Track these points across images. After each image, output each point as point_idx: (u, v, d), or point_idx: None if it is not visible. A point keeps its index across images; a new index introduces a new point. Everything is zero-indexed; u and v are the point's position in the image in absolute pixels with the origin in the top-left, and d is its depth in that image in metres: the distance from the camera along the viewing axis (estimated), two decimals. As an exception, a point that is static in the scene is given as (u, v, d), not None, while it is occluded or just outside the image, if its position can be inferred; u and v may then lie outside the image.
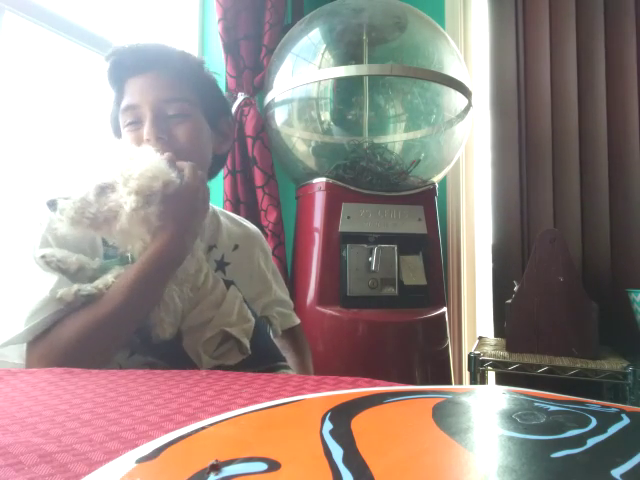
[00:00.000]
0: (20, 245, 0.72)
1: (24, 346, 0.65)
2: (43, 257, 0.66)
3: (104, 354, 0.66)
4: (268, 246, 1.04)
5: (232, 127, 0.94)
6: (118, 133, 0.84)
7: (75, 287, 0.64)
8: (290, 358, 0.94)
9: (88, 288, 0.65)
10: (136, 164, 0.66)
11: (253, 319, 0.77)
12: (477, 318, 2.07)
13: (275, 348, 0.84)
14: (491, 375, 1.64)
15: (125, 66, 0.81)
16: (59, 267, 0.66)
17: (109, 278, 0.66)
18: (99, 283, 0.66)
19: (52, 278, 0.65)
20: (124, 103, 0.80)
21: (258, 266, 0.94)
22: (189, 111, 0.82)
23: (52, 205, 0.64)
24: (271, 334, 0.94)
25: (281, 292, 1.00)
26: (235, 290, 0.77)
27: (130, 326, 0.67)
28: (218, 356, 0.71)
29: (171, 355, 0.69)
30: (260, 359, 0.75)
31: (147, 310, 0.67)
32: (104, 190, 0.65)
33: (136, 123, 0.79)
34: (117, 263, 0.69)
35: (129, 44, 0.82)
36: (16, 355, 0.68)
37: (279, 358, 0.81)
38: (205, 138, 0.85)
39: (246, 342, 0.72)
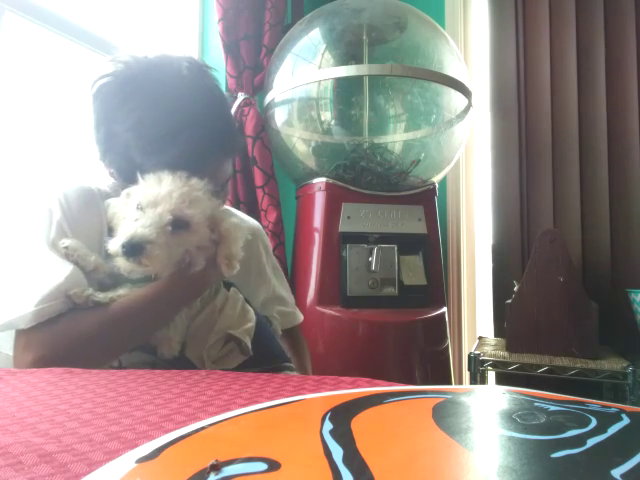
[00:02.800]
0: (23, 229, 0.71)
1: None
2: (66, 248, 0.65)
3: (105, 357, 0.66)
4: (269, 242, 1.04)
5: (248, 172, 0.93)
6: None
7: (89, 291, 0.64)
8: None
9: (100, 296, 0.64)
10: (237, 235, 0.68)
11: (254, 318, 0.77)
12: (477, 318, 2.07)
13: (279, 347, 0.83)
14: (491, 375, 1.64)
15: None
16: (77, 262, 0.66)
17: (121, 292, 0.66)
18: (112, 294, 0.65)
19: (66, 267, 0.65)
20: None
21: (258, 262, 0.94)
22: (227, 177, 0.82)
23: (138, 251, 0.59)
24: None
25: (281, 289, 0.99)
26: (236, 292, 0.77)
27: (137, 337, 0.67)
28: (219, 359, 0.70)
29: (172, 359, 0.69)
30: (262, 359, 0.75)
31: (156, 328, 0.67)
32: (176, 227, 0.62)
33: None
34: (138, 282, 0.68)
35: None
36: (9, 347, 0.67)
37: (283, 358, 0.80)
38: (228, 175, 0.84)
39: (248, 342, 0.72)
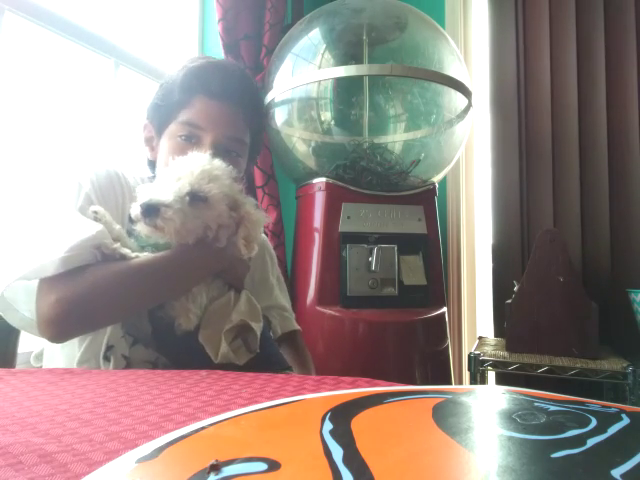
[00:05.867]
0: (51, 200, 0.76)
1: (34, 302, 0.65)
2: (95, 212, 0.69)
3: (123, 309, 0.68)
4: (274, 252, 1.06)
5: (250, 174, 0.97)
6: (160, 130, 0.85)
7: (117, 244, 0.68)
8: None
9: (127, 250, 0.68)
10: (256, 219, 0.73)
11: (262, 319, 0.78)
12: (477, 318, 2.07)
13: (280, 355, 0.84)
14: (491, 375, 1.64)
15: (206, 84, 0.82)
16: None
17: (146, 254, 0.69)
18: (138, 253, 0.69)
19: (96, 225, 0.67)
20: (187, 116, 0.82)
21: (261, 272, 0.97)
22: (243, 153, 0.87)
23: (153, 212, 0.63)
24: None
25: (283, 300, 1.01)
26: (247, 293, 0.79)
27: (154, 295, 0.68)
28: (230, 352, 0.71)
29: (177, 349, 0.69)
30: (266, 362, 0.75)
31: (173, 291, 0.69)
32: (195, 200, 0.66)
33: (191, 140, 0.81)
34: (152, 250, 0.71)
35: (217, 63, 0.86)
36: (26, 308, 0.68)
37: (285, 365, 0.81)
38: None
39: (257, 335, 0.73)
